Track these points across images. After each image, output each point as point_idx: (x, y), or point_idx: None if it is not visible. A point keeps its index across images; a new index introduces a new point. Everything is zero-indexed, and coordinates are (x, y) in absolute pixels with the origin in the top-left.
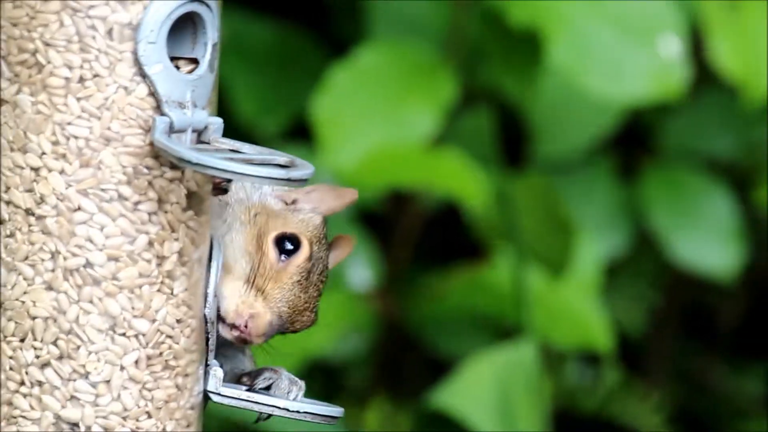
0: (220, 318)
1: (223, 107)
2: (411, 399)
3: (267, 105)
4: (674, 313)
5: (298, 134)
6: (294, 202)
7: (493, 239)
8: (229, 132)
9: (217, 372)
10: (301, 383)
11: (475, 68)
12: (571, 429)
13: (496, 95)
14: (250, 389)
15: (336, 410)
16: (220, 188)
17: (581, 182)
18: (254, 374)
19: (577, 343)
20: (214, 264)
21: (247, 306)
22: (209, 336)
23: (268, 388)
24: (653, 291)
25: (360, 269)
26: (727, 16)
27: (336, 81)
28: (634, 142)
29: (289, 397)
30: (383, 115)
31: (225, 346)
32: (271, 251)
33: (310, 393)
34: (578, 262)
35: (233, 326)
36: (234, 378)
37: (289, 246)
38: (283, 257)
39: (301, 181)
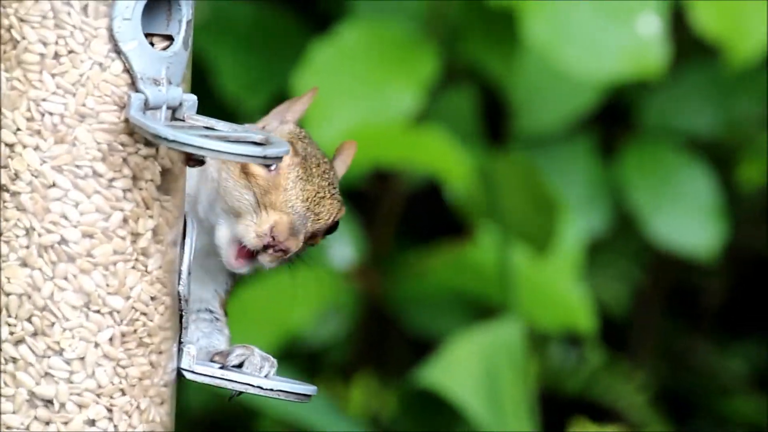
0: (256, 253)
1: (206, 85)
2: (392, 377)
3: (250, 82)
4: (658, 293)
5: None
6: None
7: (476, 217)
8: (214, 110)
9: (190, 350)
10: (273, 360)
11: (456, 46)
12: (555, 410)
13: (477, 73)
14: (223, 367)
15: (309, 388)
16: (197, 160)
17: (561, 160)
18: (226, 352)
19: (561, 323)
20: (187, 242)
21: (263, 223)
22: (183, 313)
23: (240, 365)
24: (637, 270)
25: (342, 247)
26: None
27: (317, 58)
28: (614, 120)
29: (261, 374)
30: (365, 92)
31: (203, 321)
32: (258, 169)
33: (292, 371)
34: (561, 240)
35: (265, 248)
36: (208, 356)
37: None
38: (272, 167)
39: (277, 159)
